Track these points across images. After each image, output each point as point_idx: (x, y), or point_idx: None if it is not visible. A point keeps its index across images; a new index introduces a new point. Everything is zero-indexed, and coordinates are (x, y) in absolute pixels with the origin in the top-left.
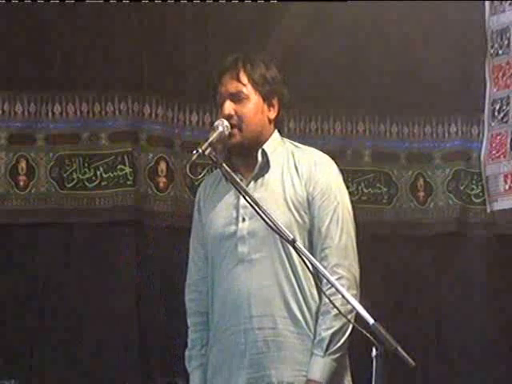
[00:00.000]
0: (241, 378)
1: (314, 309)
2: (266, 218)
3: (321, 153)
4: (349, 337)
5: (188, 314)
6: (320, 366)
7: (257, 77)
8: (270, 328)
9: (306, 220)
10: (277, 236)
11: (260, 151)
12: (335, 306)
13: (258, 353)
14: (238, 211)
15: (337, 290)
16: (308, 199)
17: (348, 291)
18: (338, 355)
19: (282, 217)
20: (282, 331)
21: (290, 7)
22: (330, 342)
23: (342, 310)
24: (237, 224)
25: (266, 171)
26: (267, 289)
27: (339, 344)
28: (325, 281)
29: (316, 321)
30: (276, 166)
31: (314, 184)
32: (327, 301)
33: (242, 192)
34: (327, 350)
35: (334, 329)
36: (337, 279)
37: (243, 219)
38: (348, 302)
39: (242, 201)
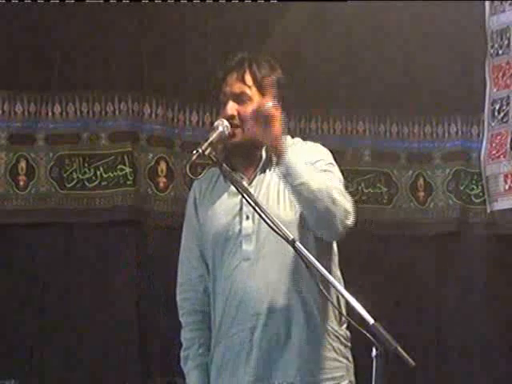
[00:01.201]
0: (247, 376)
1: (320, 302)
2: (266, 219)
3: (318, 144)
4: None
5: (181, 313)
6: (299, 159)
7: (261, 79)
8: (277, 325)
9: None
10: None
11: (264, 148)
12: (337, 308)
13: (264, 350)
14: (241, 209)
15: (336, 289)
16: None
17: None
18: (307, 177)
19: (284, 214)
20: (289, 327)
21: (290, 7)
22: (318, 176)
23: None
24: (241, 222)
25: (269, 168)
26: (273, 285)
27: (315, 183)
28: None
29: (322, 314)
30: None
31: (312, 161)
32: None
33: (242, 192)
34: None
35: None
36: None
37: (247, 217)
38: (348, 302)
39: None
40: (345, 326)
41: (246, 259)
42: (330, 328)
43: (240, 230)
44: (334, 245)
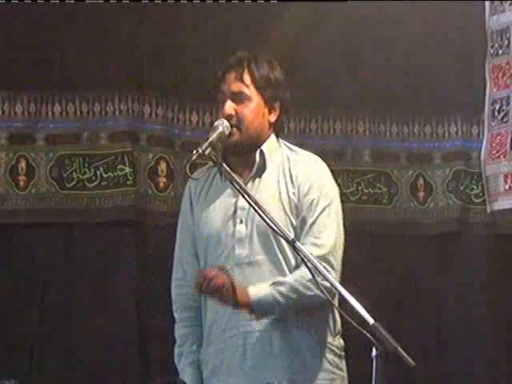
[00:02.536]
0: (244, 379)
1: (312, 312)
2: (266, 219)
3: (314, 156)
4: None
5: (175, 308)
6: (260, 289)
7: (260, 79)
8: (269, 330)
9: (297, 223)
10: (273, 238)
11: (258, 152)
12: (336, 308)
13: (257, 355)
14: (235, 212)
15: (336, 289)
16: (300, 201)
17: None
18: (277, 296)
19: (277, 218)
20: (281, 333)
21: (290, 7)
22: (283, 284)
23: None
24: (234, 225)
25: (263, 172)
26: None
27: (285, 292)
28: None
29: (315, 324)
30: (272, 168)
31: (308, 188)
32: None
33: (242, 192)
34: (274, 284)
35: (291, 281)
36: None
37: (241, 221)
38: (348, 302)
39: (240, 202)
40: (338, 336)
41: (239, 263)
42: (323, 340)
43: (233, 233)
44: None
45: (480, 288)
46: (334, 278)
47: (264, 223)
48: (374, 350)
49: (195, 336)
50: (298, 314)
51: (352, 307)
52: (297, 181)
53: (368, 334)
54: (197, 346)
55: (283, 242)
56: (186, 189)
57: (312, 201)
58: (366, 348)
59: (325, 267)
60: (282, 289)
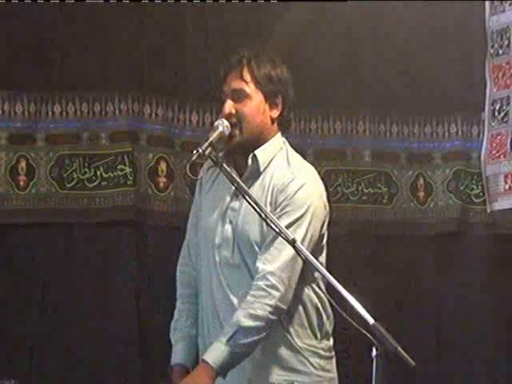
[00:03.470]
0: (237, 377)
1: (295, 313)
2: (265, 218)
3: (305, 169)
4: (259, 340)
5: (177, 285)
6: (217, 352)
7: (260, 75)
8: None
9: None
10: (250, 244)
11: (251, 156)
12: (336, 308)
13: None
14: (226, 212)
15: (336, 289)
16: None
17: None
18: (239, 350)
19: (257, 226)
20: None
21: (290, 7)
22: (236, 333)
23: None
24: (223, 225)
25: (257, 177)
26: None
27: (244, 340)
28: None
29: (294, 325)
30: (266, 175)
31: (278, 203)
32: (254, 293)
33: (242, 192)
34: (230, 340)
35: (244, 325)
36: (266, 286)
37: (230, 221)
38: (348, 302)
39: (232, 203)
40: (326, 338)
41: (225, 263)
42: (306, 345)
43: (222, 233)
44: (323, 256)
45: (480, 288)
46: (275, 297)
47: (244, 228)
48: (374, 349)
49: (191, 312)
50: (280, 322)
51: (352, 307)
52: (274, 193)
53: (368, 334)
54: (191, 321)
55: (290, 234)
56: (201, 173)
57: (277, 217)
58: (366, 348)
59: (266, 285)
60: (238, 340)
